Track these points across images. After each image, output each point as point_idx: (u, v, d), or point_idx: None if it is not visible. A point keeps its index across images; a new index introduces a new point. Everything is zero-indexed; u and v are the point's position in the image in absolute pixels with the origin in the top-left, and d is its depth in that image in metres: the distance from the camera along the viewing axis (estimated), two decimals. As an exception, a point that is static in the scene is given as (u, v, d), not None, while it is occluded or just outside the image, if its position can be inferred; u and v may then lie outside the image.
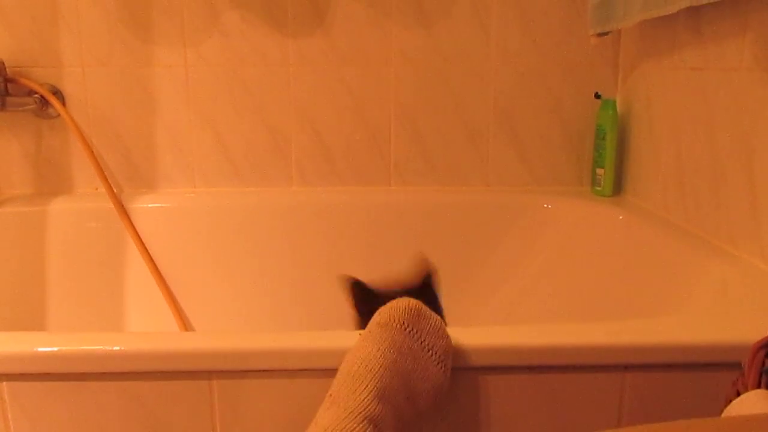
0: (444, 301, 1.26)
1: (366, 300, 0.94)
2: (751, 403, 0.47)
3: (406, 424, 0.70)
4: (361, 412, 0.64)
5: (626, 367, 0.79)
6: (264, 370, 0.78)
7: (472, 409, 0.79)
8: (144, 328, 1.49)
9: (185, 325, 1.51)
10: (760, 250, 1.03)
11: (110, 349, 0.78)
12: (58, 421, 0.78)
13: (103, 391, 0.78)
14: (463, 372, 0.78)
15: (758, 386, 0.48)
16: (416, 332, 0.74)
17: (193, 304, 1.53)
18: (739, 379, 0.51)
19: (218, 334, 0.80)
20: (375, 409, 0.65)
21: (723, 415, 0.49)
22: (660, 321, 0.86)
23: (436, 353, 0.74)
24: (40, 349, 0.78)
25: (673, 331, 0.81)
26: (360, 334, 0.76)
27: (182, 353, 0.78)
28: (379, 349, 0.71)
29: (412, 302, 0.77)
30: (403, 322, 0.75)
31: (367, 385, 0.67)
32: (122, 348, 0.78)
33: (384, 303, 0.85)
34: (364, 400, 0.66)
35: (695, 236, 1.19)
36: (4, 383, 0.78)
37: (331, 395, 0.68)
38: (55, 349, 0.78)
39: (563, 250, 1.46)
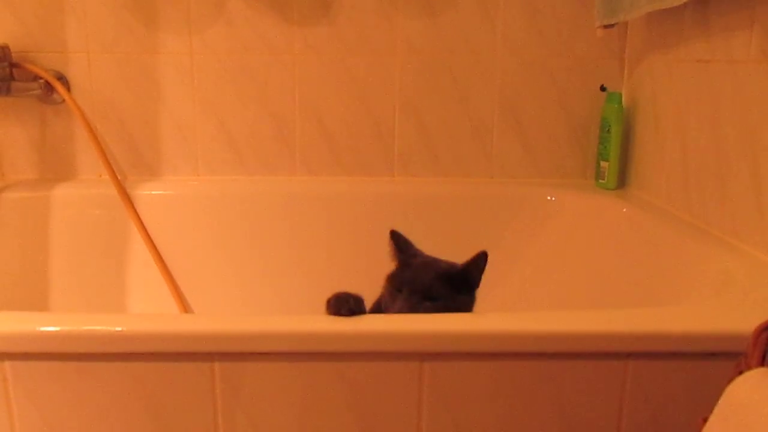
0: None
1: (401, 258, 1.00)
2: (754, 381, 0.47)
3: None
4: None
5: (628, 355, 0.79)
6: (265, 353, 0.78)
7: (475, 394, 0.79)
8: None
9: (187, 312, 1.52)
10: (764, 243, 1.03)
11: (112, 329, 0.78)
12: (60, 400, 0.79)
13: (104, 372, 0.78)
14: (468, 357, 0.79)
15: (761, 366, 0.48)
16: None
17: (196, 292, 1.53)
18: (742, 361, 0.51)
19: (220, 316, 0.80)
20: None
21: (725, 392, 0.49)
22: (663, 310, 0.86)
23: None
24: (43, 329, 0.78)
25: (675, 319, 0.81)
26: None
27: (185, 335, 0.78)
28: None
29: None
30: None
31: None
32: (125, 329, 0.78)
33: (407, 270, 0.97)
34: None
35: (699, 228, 1.18)
36: (7, 362, 0.78)
37: None
38: (58, 329, 0.78)
39: (567, 243, 1.45)
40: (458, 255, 1.51)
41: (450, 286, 0.97)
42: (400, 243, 1.02)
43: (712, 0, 1.14)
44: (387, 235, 1.53)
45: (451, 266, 1.00)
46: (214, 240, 1.54)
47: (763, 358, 0.49)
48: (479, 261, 0.99)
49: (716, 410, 0.51)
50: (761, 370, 0.48)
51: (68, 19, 1.50)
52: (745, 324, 0.76)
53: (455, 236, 1.53)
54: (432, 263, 1.01)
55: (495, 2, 1.51)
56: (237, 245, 1.54)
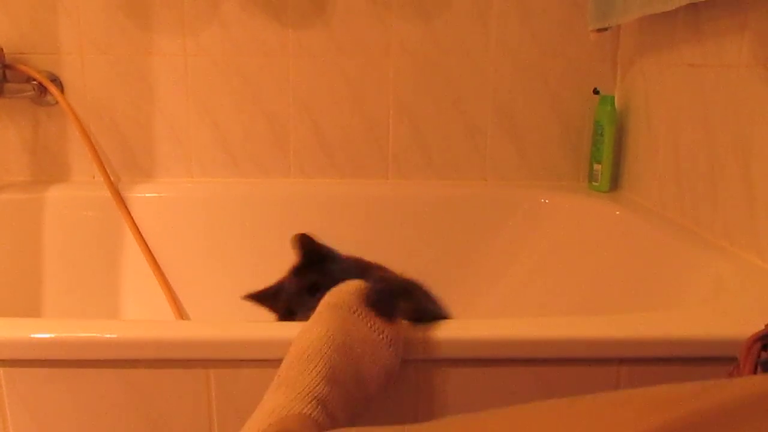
0: (439, 293, 1.26)
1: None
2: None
3: (355, 406, 0.69)
4: (309, 393, 0.64)
5: (621, 361, 0.79)
6: (261, 360, 0.78)
7: (469, 401, 0.80)
8: (140, 318, 1.49)
9: (181, 315, 1.51)
10: (755, 246, 1.03)
11: (107, 336, 0.78)
12: (54, 407, 0.79)
13: (99, 379, 0.78)
14: (460, 363, 0.79)
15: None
16: (365, 315, 0.74)
17: (190, 295, 1.53)
18: (734, 370, 0.52)
19: (216, 323, 0.80)
20: (323, 390, 0.64)
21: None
22: (655, 315, 0.86)
23: (386, 336, 0.73)
24: (36, 336, 0.78)
25: (668, 325, 0.82)
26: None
27: (179, 342, 0.78)
28: (328, 330, 0.70)
29: (362, 285, 0.77)
30: (352, 305, 0.74)
31: (315, 366, 0.66)
32: (119, 335, 0.78)
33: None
34: (312, 381, 0.65)
35: (691, 232, 1.19)
36: (0, 369, 0.78)
37: (279, 376, 0.68)
38: (51, 335, 0.78)
39: (560, 245, 1.46)
40: (452, 256, 1.52)
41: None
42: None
43: (703, 5, 1.15)
44: (381, 237, 1.54)
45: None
46: (208, 242, 1.54)
47: (755, 368, 0.50)
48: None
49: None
50: (753, 379, 0.49)
51: (61, 20, 1.49)
52: (738, 329, 0.76)
53: (449, 238, 1.54)
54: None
55: (489, 5, 1.52)
56: (231, 247, 1.54)
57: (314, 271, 0.98)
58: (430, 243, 1.54)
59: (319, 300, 0.89)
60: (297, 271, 0.99)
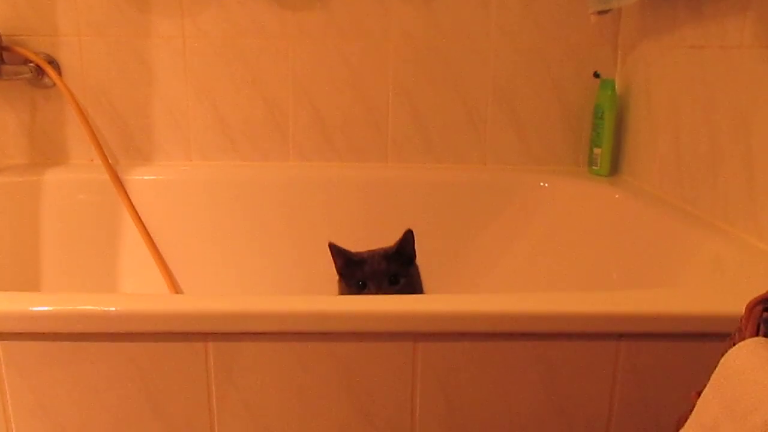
0: (440, 276, 1.27)
1: (347, 263, 1.09)
2: (749, 350, 0.47)
3: None
4: None
5: (620, 336, 0.79)
6: (259, 333, 0.78)
7: (469, 374, 0.80)
8: (138, 300, 1.49)
9: (180, 297, 1.51)
10: (754, 227, 1.03)
11: (105, 309, 0.78)
12: (53, 380, 0.78)
13: (98, 352, 0.78)
14: (461, 337, 0.79)
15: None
16: None
17: (188, 278, 1.53)
18: (735, 335, 0.52)
19: (214, 296, 0.80)
20: None
21: (720, 363, 0.50)
22: (654, 291, 0.86)
23: None
24: (35, 309, 0.78)
25: (667, 301, 0.82)
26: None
27: (178, 315, 0.78)
28: None
29: None
30: None
31: None
32: (118, 309, 0.78)
33: (363, 265, 1.07)
34: None
35: (691, 214, 1.19)
36: (-1, 343, 0.78)
37: None
38: (50, 308, 0.78)
39: (559, 229, 1.46)
40: (451, 240, 1.52)
41: (398, 263, 1.08)
42: (339, 250, 1.10)
43: (705, -15, 1.15)
44: (380, 221, 1.54)
45: (388, 248, 1.10)
46: (206, 225, 1.53)
47: (757, 331, 0.50)
48: (408, 237, 1.10)
49: (711, 381, 0.51)
50: (756, 339, 0.48)
51: (59, 2, 1.48)
52: (735, 306, 0.76)
53: (448, 222, 1.53)
54: (373, 253, 1.09)
55: (489, -12, 1.51)
56: (229, 231, 1.53)
57: (401, 263, 1.08)
58: (430, 227, 1.53)
59: (396, 290, 1.04)
60: (388, 256, 1.08)
